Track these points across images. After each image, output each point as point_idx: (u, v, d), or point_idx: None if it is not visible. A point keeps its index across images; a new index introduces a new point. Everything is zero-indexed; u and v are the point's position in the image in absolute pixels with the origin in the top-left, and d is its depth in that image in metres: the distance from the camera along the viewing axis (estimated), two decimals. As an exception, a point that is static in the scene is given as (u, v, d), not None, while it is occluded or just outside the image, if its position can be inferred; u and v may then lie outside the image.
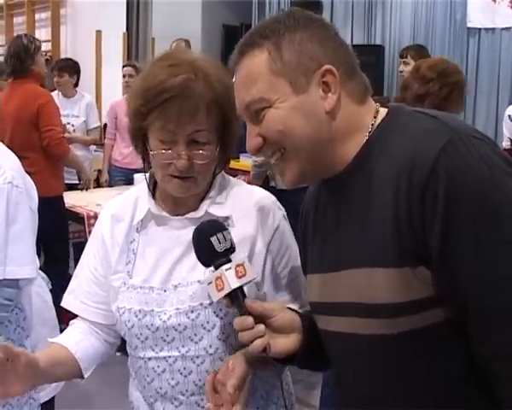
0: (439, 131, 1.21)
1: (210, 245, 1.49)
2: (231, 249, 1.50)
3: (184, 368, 1.64)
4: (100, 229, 1.78)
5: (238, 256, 1.51)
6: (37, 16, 9.94)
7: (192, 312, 1.62)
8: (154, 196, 1.74)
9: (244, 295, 1.47)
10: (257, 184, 4.34)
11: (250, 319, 1.44)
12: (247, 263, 1.49)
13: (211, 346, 1.63)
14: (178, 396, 1.66)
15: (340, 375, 1.45)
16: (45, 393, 2.12)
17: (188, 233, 1.64)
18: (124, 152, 6.25)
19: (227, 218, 1.67)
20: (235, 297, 1.46)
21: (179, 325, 1.62)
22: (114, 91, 7.41)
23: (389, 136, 1.30)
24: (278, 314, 1.48)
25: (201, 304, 1.62)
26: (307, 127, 1.31)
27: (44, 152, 4.89)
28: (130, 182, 5.10)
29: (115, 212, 1.78)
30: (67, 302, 1.83)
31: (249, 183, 5.28)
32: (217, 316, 1.62)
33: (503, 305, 1.14)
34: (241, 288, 1.47)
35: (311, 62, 1.31)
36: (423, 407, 1.27)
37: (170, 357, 1.65)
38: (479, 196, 1.14)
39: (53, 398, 2.22)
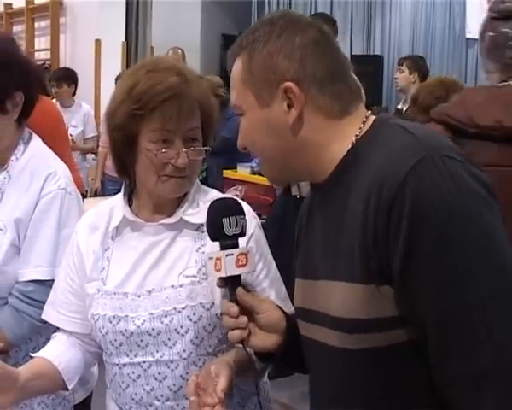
0: (411, 150, 1.17)
1: (220, 225, 1.46)
2: (241, 235, 1.48)
3: (159, 373, 1.64)
4: (76, 239, 1.79)
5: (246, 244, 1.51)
6: (36, 25, 9.93)
7: (166, 316, 1.62)
8: (130, 204, 1.76)
9: (239, 283, 1.45)
10: (278, 190, 4.35)
11: (235, 309, 1.44)
12: (252, 254, 1.48)
13: (184, 350, 1.63)
14: (154, 402, 1.66)
15: (312, 380, 1.45)
16: (78, 395, 2.15)
17: (162, 239, 1.68)
18: None
19: (201, 225, 1.66)
20: (230, 282, 1.45)
21: (153, 329, 1.63)
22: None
23: (369, 149, 1.26)
24: (266, 312, 1.47)
25: (175, 309, 1.62)
26: (271, 141, 1.33)
27: None
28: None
29: (91, 221, 1.80)
30: (46, 314, 1.85)
31: (246, 194, 5.29)
32: (190, 320, 1.62)
33: (461, 333, 1.12)
34: (238, 276, 1.45)
35: (274, 77, 1.30)
36: None
37: (144, 362, 1.65)
38: (444, 219, 1.11)
39: (89, 399, 2.22)
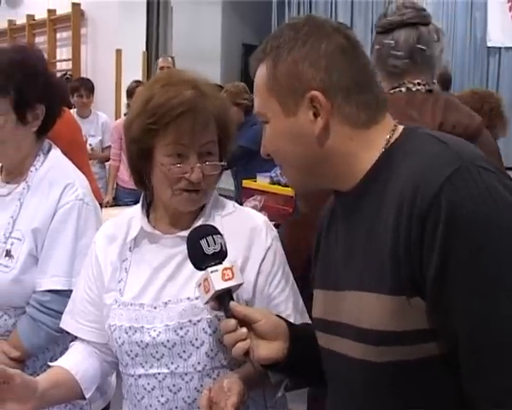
0: (447, 159, 1.16)
1: (199, 247, 1.51)
2: (222, 253, 1.52)
3: (174, 385, 1.64)
4: (94, 249, 1.81)
5: (229, 260, 1.52)
6: (58, 35, 10.01)
7: (181, 328, 1.62)
8: (148, 215, 1.77)
9: (231, 299, 1.48)
10: (298, 201, 4.33)
11: (232, 322, 1.45)
12: (237, 268, 1.51)
13: (199, 363, 1.63)
14: None
15: (330, 393, 1.43)
16: (96, 405, 2.17)
17: (179, 251, 1.67)
18: None
19: None
20: (221, 300, 1.48)
21: (168, 341, 1.63)
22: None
23: (400, 158, 1.25)
24: (262, 319, 1.47)
25: (190, 321, 1.62)
26: (296, 149, 1.32)
27: None
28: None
29: (109, 232, 1.81)
30: (64, 322, 1.87)
31: (265, 205, 5.25)
32: (205, 333, 1.62)
33: (495, 346, 1.10)
34: (228, 291, 1.48)
35: (299, 85, 1.29)
36: None
37: (159, 374, 1.65)
38: (480, 230, 1.10)
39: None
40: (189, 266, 1.61)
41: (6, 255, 2.06)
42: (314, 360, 1.45)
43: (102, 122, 7.03)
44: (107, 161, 6.94)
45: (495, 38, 8.57)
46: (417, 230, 1.14)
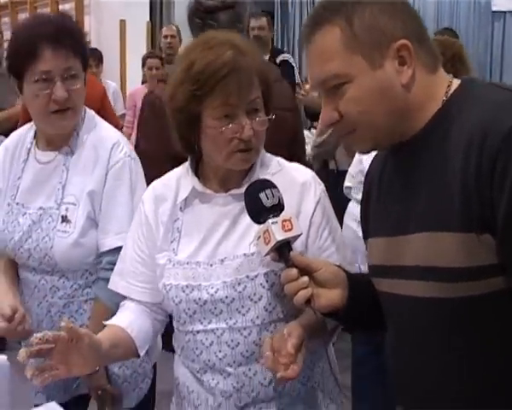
0: None
1: (259, 200, 1.55)
2: (280, 206, 1.55)
3: (232, 340, 1.68)
4: (143, 210, 1.82)
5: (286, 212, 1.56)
6: (60, 7, 9.88)
7: (239, 284, 1.66)
8: (197, 176, 1.78)
9: (290, 249, 1.52)
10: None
11: (294, 271, 1.49)
12: (295, 219, 1.54)
13: (258, 317, 1.67)
14: (226, 368, 1.69)
15: (395, 338, 1.47)
16: (154, 356, 2.23)
17: (232, 209, 1.71)
18: None
19: None
20: (282, 250, 1.51)
21: (226, 297, 1.66)
22: (139, 80, 7.43)
23: (462, 106, 1.31)
24: (323, 268, 1.52)
25: (247, 276, 1.66)
26: (385, 103, 1.34)
27: None
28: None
29: (158, 193, 1.82)
30: (114, 284, 1.88)
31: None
32: (263, 287, 1.66)
33: None
34: (288, 242, 1.52)
35: (383, 37, 1.32)
36: (478, 379, 1.29)
37: (217, 329, 1.68)
38: None
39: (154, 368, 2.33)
40: (243, 222, 1.66)
41: (63, 221, 2.10)
42: (372, 306, 1.50)
43: (113, 91, 6.97)
44: (120, 129, 6.94)
45: (499, 2, 8.54)
46: (488, 169, 1.19)
